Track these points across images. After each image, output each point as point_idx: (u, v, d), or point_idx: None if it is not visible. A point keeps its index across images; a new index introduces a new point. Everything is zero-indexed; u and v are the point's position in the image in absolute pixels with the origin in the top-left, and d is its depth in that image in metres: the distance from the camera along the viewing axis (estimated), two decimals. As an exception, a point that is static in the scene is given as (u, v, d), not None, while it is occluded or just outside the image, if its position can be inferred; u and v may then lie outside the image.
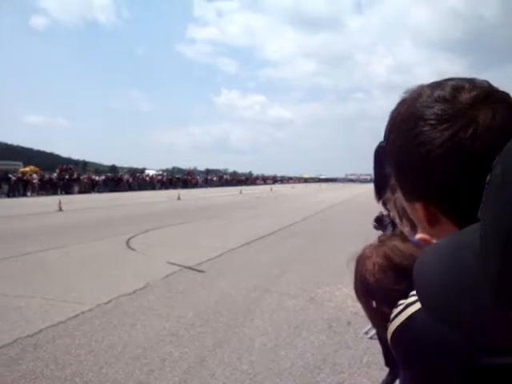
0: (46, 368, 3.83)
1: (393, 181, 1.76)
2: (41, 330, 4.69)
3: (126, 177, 52.61)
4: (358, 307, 5.38)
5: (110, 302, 5.71)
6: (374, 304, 1.18)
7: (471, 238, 0.65)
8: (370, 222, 3.52)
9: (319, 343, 4.43)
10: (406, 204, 0.75)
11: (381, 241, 1.22)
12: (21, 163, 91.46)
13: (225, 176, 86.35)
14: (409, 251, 1.12)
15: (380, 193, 2.43)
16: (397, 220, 1.57)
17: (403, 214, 1.50)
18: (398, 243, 1.16)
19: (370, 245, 1.23)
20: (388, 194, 1.75)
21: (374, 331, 3.46)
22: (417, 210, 0.71)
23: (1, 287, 6.42)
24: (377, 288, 1.13)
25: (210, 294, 6.13)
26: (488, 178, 0.60)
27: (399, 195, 1.56)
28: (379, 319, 1.24)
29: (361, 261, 1.20)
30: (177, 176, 66.57)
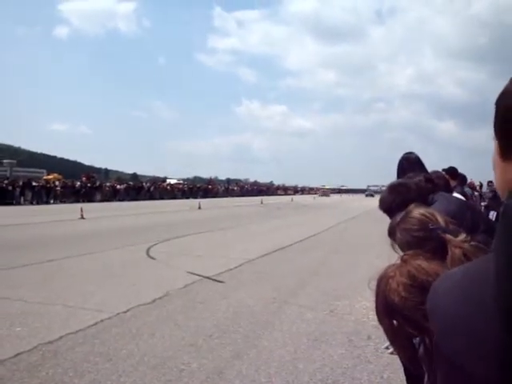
0: (65, 375, 3.84)
1: (391, 225, 1.72)
2: (61, 337, 4.72)
3: (147, 185, 53.06)
4: (378, 321, 5.31)
5: (129, 310, 5.73)
6: (396, 323, 1.15)
7: (486, 266, 0.63)
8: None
9: (338, 357, 4.37)
10: (497, 166, 0.71)
11: (404, 260, 1.20)
12: (44, 171, 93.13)
13: (246, 185, 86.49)
14: (434, 270, 1.10)
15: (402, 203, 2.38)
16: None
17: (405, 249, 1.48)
18: (421, 262, 1.13)
19: (393, 264, 1.21)
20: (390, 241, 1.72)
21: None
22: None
23: (22, 294, 6.50)
24: (402, 307, 1.11)
25: (229, 305, 6.11)
26: (501, 209, 0.59)
27: (399, 237, 1.53)
28: (401, 339, 1.21)
29: (383, 280, 1.18)
30: (197, 185, 66.84)
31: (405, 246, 1.49)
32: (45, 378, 3.79)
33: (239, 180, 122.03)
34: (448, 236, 1.29)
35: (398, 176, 2.83)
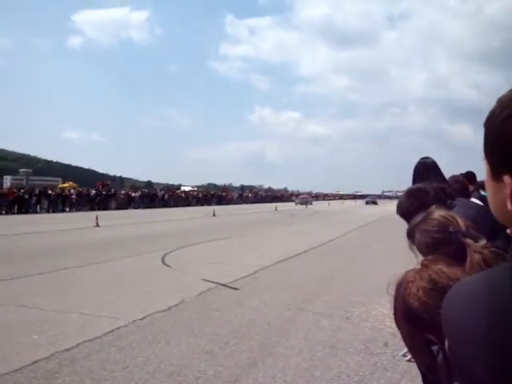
0: (81, 383, 3.86)
1: (410, 226, 1.71)
2: (77, 345, 4.74)
3: (161, 193, 53.34)
4: (395, 328, 5.25)
5: (145, 317, 5.75)
6: (415, 329, 1.14)
7: (508, 276, 0.63)
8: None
9: (355, 364, 4.33)
10: (490, 187, 0.72)
11: (424, 265, 1.19)
12: (60, 179, 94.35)
13: (260, 192, 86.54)
14: (455, 275, 1.08)
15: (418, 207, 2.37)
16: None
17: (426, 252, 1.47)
18: (442, 267, 1.12)
19: (412, 269, 1.20)
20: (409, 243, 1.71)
21: (412, 354, 3.35)
22: (504, 187, 0.68)
23: (39, 301, 6.55)
24: (422, 312, 1.09)
25: (244, 312, 6.10)
26: None
27: (418, 238, 1.52)
28: (419, 345, 1.20)
29: (403, 285, 1.17)
30: (212, 192, 67.03)
31: (423, 248, 1.48)
32: (62, 385, 3.81)
33: (253, 187, 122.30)
34: (468, 240, 1.28)
35: (414, 181, 2.81)
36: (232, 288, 7.53)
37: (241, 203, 63.14)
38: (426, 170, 2.87)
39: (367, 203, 76.39)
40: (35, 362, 4.27)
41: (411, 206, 2.22)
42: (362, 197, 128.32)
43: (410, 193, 2.38)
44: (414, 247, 1.61)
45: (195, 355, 4.51)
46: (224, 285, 7.72)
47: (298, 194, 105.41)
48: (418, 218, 1.59)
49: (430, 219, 1.49)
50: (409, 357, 4.18)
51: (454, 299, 0.70)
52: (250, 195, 75.83)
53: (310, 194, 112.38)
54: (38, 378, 3.94)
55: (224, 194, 66.51)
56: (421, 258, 1.66)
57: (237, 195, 71.23)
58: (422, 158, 3.02)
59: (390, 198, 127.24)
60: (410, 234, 1.60)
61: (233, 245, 14.52)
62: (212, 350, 4.65)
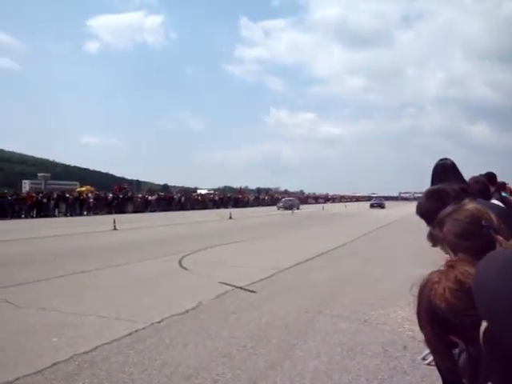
0: (101, 386, 3.88)
1: (440, 216, 1.69)
2: (96, 348, 4.77)
3: (177, 196, 53.61)
4: (414, 331, 5.22)
5: (162, 320, 5.76)
6: (439, 330, 1.13)
7: None
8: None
9: (374, 368, 4.30)
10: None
11: (450, 265, 1.18)
12: (77, 183, 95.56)
13: (276, 195, 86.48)
14: None
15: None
16: (450, 254, 1.51)
17: (455, 248, 1.46)
18: (469, 268, 1.11)
19: (437, 270, 1.19)
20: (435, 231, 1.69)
21: (431, 357, 3.30)
22: None
23: (58, 304, 6.62)
24: (448, 313, 1.08)
25: (261, 315, 6.09)
26: None
27: (448, 227, 1.51)
28: (443, 347, 1.18)
29: (427, 285, 1.16)
30: (228, 195, 67.17)
31: (452, 237, 1.47)
32: (81, 387, 3.84)
33: (269, 189, 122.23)
34: (499, 237, 1.27)
35: (433, 183, 2.79)
36: (249, 291, 7.52)
37: (257, 206, 63.15)
38: (445, 171, 2.85)
39: (372, 206, 61.98)
40: (55, 364, 4.32)
41: (431, 206, 2.22)
42: (378, 199, 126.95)
43: (429, 193, 2.39)
44: (437, 238, 1.60)
45: (213, 358, 4.51)
46: (241, 288, 7.72)
47: (314, 197, 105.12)
48: (450, 207, 1.58)
49: (463, 210, 1.49)
50: (428, 360, 4.14)
51: (485, 273, 0.69)
52: (266, 198, 75.81)
53: (325, 196, 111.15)
54: (59, 379, 3.98)
55: (240, 196, 66.60)
56: (443, 252, 1.65)
57: (253, 198, 71.26)
58: (441, 160, 3.00)
59: (407, 199, 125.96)
60: (440, 224, 1.59)
61: (249, 247, 14.53)
62: (230, 353, 4.64)
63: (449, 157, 3.01)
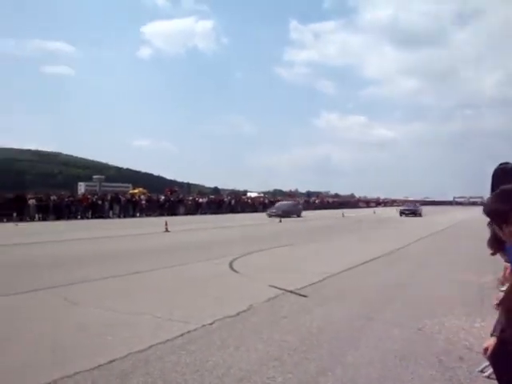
0: (155, 384, 3.97)
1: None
2: (150, 347, 4.87)
3: (228, 199, 54.10)
4: (470, 341, 5.06)
5: (214, 322, 5.83)
6: None
7: None
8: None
9: (428, 378, 4.18)
10: None
11: None
12: (130, 185, 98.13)
13: (326, 198, 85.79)
14: None
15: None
16: None
17: None
18: None
19: None
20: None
21: (491, 370, 3.17)
22: None
23: (112, 304, 6.83)
24: None
25: (313, 320, 6.05)
26: None
27: None
28: None
29: None
30: (278, 198, 67.14)
31: None
32: (136, 385, 3.94)
33: (319, 192, 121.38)
34: None
35: (493, 187, 2.73)
36: (300, 295, 7.50)
37: (307, 209, 62.85)
38: (505, 174, 2.79)
39: (403, 214, 46.96)
40: (111, 361, 4.44)
41: (500, 206, 2.25)
42: (432, 203, 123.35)
43: (499, 194, 2.40)
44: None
45: (264, 361, 4.52)
46: (292, 291, 7.71)
47: (365, 200, 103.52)
48: None
49: None
50: (488, 373, 3.98)
51: None
52: (316, 201, 75.32)
53: (377, 200, 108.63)
54: (114, 376, 4.09)
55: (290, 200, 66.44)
56: (502, 259, 1.68)
57: (303, 201, 70.92)
58: (501, 164, 2.93)
59: (462, 204, 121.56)
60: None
61: (300, 251, 14.48)
62: (281, 357, 4.64)
63: (506, 159, 2.95)
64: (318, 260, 12.06)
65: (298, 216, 41.61)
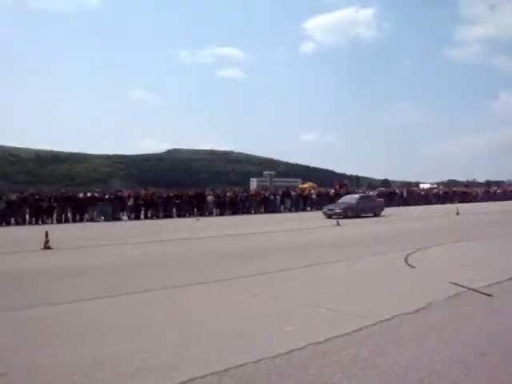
0: (333, 376, 3.96)
1: None
2: (327, 340, 4.90)
3: (398, 191, 52.28)
4: None
5: (392, 318, 5.66)
6: None
7: None
8: None
9: None
10: None
11: None
12: (299, 180, 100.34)
13: (510, 188, 78.02)
14: None
15: None
16: None
17: None
18: None
19: None
20: None
21: None
22: None
23: (289, 295, 7.12)
24: None
25: (501, 321, 5.55)
26: None
27: None
28: None
29: None
30: (453, 189, 62.94)
31: None
32: (315, 376, 3.97)
33: (502, 182, 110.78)
34: None
35: None
36: (485, 294, 6.91)
37: (488, 201, 57.75)
38: None
39: None
40: (290, 351, 4.56)
41: None
42: None
43: None
44: None
45: (447, 363, 4.25)
46: (475, 290, 7.15)
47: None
48: None
49: None
50: None
51: None
52: (498, 191, 68.88)
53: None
54: (294, 365, 4.20)
55: (467, 190, 61.81)
56: None
57: (482, 192, 65.38)
58: None
59: None
60: None
61: (482, 246, 13.40)
62: (466, 360, 4.32)
63: None
64: (505, 256, 11.02)
65: (376, 215, 29.31)
